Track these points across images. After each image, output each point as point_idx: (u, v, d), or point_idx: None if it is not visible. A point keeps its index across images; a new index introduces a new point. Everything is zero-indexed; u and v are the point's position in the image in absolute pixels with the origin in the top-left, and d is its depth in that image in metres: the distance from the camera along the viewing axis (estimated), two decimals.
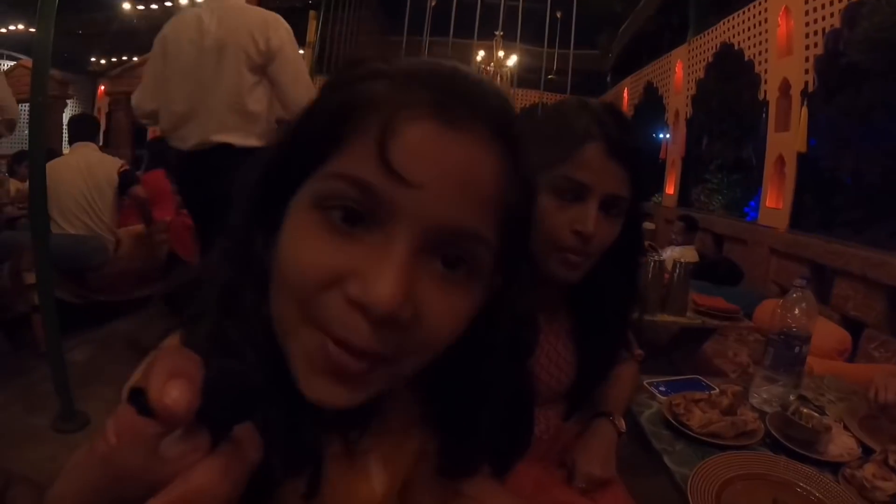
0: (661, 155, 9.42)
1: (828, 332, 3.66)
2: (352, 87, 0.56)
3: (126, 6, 15.76)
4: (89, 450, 0.37)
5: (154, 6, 16.05)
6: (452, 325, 0.57)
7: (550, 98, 13.39)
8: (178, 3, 15.31)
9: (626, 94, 11.63)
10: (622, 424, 1.38)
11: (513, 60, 12.10)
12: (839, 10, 5.03)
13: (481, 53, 12.17)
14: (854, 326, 4.25)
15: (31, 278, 3.45)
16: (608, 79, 14.70)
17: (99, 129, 4.75)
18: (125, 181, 4.49)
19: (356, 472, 0.67)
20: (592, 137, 1.10)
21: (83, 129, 4.67)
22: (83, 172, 4.28)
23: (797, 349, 1.62)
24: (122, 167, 4.52)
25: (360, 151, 0.52)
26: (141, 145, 13.87)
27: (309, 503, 0.58)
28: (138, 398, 0.34)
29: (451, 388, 0.69)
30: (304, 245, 0.53)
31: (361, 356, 0.52)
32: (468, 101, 0.54)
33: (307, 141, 0.56)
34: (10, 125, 3.86)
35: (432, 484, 0.76)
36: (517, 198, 0.58)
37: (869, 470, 1.29)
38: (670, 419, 1.48)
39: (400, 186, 0.51)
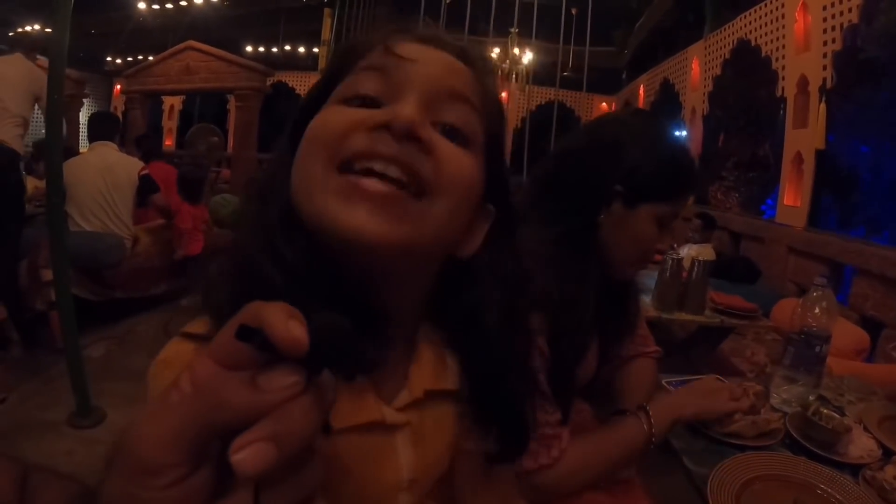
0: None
1: (846, 332, 3.63)
2: (351, 41, 0.72)
3: (141, 5, 15.88)
4: (163, 395, 0.38)
5: (169, 5, 16.16)
6: (462, 168, 0.64)
7: (565, 95, 13.37)
8: (193, 2, 15.42)
9: (641, 91, 11.60)
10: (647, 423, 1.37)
11: (528, 57, 12.07)
12: (857, 6, 4.99)
13: (496, 50, 12.14)
14: (872, 326, 4.21)
15: (48, 275, 3.47)
16: (624, 76, 14.65)
17: (118, 127, 4.78)
18: (146, 186, 4.52)
19: (384, 453, 0.70)
20: (693, 180, 1.34)
21: (103, 127, 4.68)
22: (102, 171, 4.30)
23: (817, 349, 1.60)
24: (142, 170, 4.54)
25: (371, 54, 0.66)
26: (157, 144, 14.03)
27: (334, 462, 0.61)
28: (254, 334, 0.36)
29: (480, 357, 0.74)
30: (328, 117, 0.63)
31: (390, 180, 0.59)
32: (440, 36, 0.70)
33: (332, 71, 0.69)
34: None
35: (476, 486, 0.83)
36: (485, 92, 0.70)
37: (890, 472, 1.27)
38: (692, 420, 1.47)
39: (402, 63, 0.64)
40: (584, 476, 1.22)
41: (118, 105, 14.37)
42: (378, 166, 0.58)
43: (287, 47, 17.65)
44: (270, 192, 0.66)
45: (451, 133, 0.64)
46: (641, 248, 1.30)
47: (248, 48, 17.28)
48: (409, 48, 0.65)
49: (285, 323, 0.35)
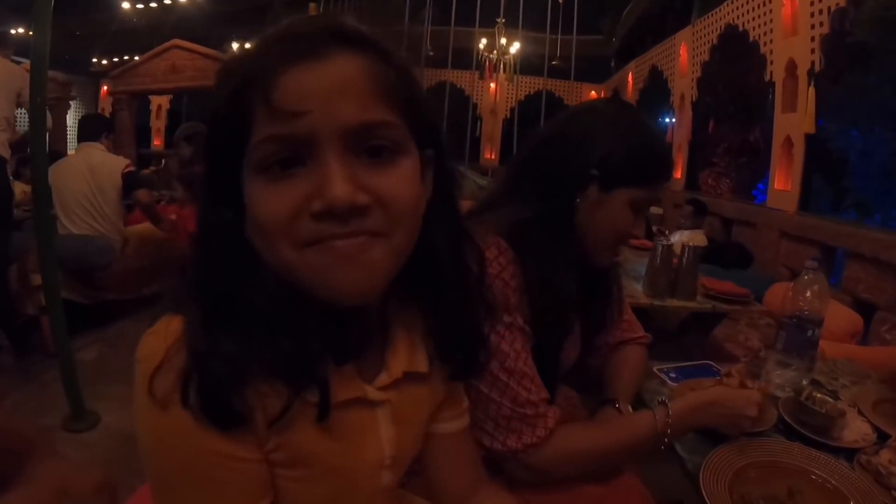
0: (667, 139, 9.38)
1: (839, 315, 3.63)
2: (231, 78, 0.66)
3: (125, 5, 15.79)
4: None
5: (153, 4, 16.08)
6: (404, 190, 0.68)
7: (554, 84, 13.35)
8: (177, 1, 15.34)
9: (630, 79, 11.61)
10: (629, 411, 1.38)
11: (515, 47, 12.05)
12: None
13: (484, 41, 12.12)
14: (865, 309, 4.22)
15: (38, 280, 3.44)
16: (612, 63, 14.64)
17: (106, 127, 4.72)
18: (129, 183, 4.46)
19: (367, 428, 0.79)
20: (668, 165, 1.36)
21: (89, 128, 4.63)
22: (86, 173, 4.26)
23: (810, 332, 1.60)
24: (126, 167, 4.50)
25: (263, 117, 0.63)
26: (145, 145, 13.97)
27: (323, 433, 0.71)
28: None
29: (440, 295, 0.82)
30: (264, 201, 0.64)
31: (354, 235, 0.64)
32: (311, 36, 0.65)
33: (224, 132, 0.67)
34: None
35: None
36: (397, 81, 0.69)
37: (885, 456, 1.26)
38: None
39: (298, 120, 0.62)
40: (580, 460, 1.22)
41: (105, 106, 14.29)
42: (339, 239, 0.64)
43: None
44: (218, 242, 0.70)
45: (381, 152, 0.67)
46: (616, 233, 1.32)
47: (234, 45, 17.22)
48: (299, 83, 0.63)
49: None
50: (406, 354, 0.82)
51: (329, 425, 0.71)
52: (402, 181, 0.68)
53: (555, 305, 1.23)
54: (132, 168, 4.56)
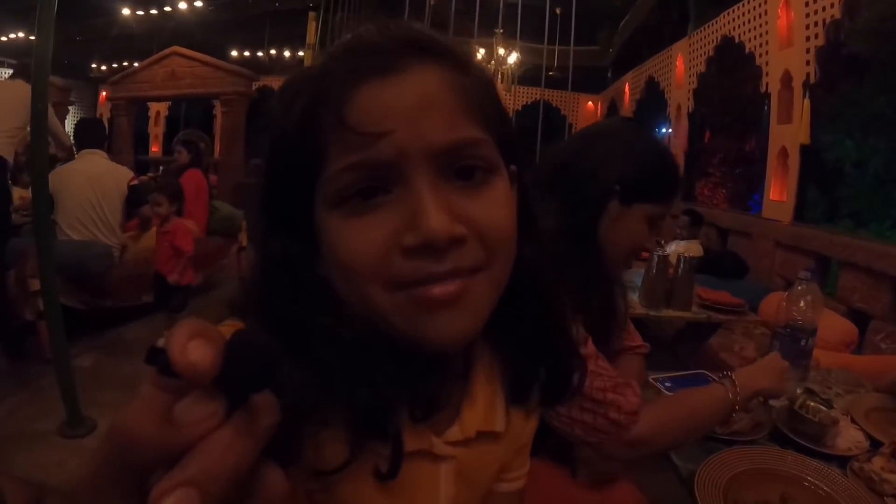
0: None
1: (834, 325, 3.65)
2: (296, 99, 0.60)
3: (126, 12, 15.82)
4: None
5: (153, 11, 16.11)
6: (502, 216, 0.62)
7: (551, 94, 13.38)
8: (177, 8, 15.37)
9: (627, 89, 11.62)
10: None
11: (513, 58, 12.10)
12: (839, 1, 5.02)
13: (482, 51, 12.15)
14: (860, 318, 4.24)
15: (36, 285, 3.45)
16: (609, 74, 14.68)
17: (106, 134, 4.76)
18: (135, 196, 4.50)
19: (427, 482, 0.70)
20: (680, 183, 1.45)
21: (91, 135, 4.67)
22: (91, 181, 4.29)
23: (803, 342, 1.61)
24: (132, 180, 4.52)
25: (338, 143, 0.57)
26: (143, 151, 13.95)
27: (378, 485, 0.61)
28: (159, 357, 0.32)
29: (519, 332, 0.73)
30: (347, 238, 0.57)
31: (453, 275, 0.57)
32: (385, 48, 0.59)
33: (291, 161, 0.61)
34: (67, 149, 4.77)
35: None
36: (480, 92, 0.62)
37: (877, 463, 1.28)
38: None
39: (381, 142, 0.56)
40: (673, 428, 1.25)
41: (104, 112, 14.27)
42: (438, 283, 0.57)
43: (272, 51, 17.63)
44: (286, 278, 0.62)
45: (473, 174, 0.60)
46: (633, 245, 1.40)
47: (234, 53, 17.27)
48: (377, 100, 0.57)
49: (183, 344, 0.31)
50: (484, 409, 0.73)
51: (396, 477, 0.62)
52: (498, 205, 0.61)
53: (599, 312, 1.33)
54: (136, 181, 4.58)
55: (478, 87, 0.62)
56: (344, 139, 0.57)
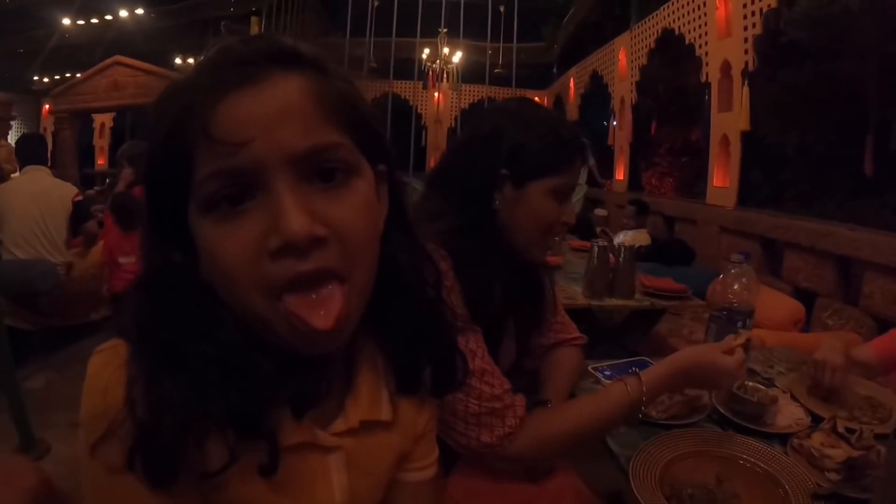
0: (609, 141, 9.52)
1: (781, 304, 3.75)
2: (166, 111, 0.62)
3: (66, 22, 15.48)
4: None
5: (94, 20, 15.80)
6: (361, 215, 0.65)
7: (497, 92, 13.44)
8: (118, 16, 15.09)
9: (572, 84, 11.73)
10: None
11: (458, 57, 12.13)
12: None
13: (426, 51, 12.17)
14: (807, 297, 4.34)
15: None
16: (554, 70, 14.80)
17: (48, 149, 4.68)
18: (79, 212, 4.41)
19: (317, 474, 0.73)
20: (578, 149, 1.36)
21: (34, 151, 4.59)
22: (36, 197, 4.20)
23: (740, 324, 1.63)
24: (76, 196, 4.44)
25: (204, 152, 0.59)
26: (89, 164, 13.66)
27: (267, 480, 0.65)
28: None
29: (405, 308, 0.78)
30: (220, 243, 0.60)
31: (320, 279, 0.61)
32: (247, 59, 0.61)
33: (164, 169, 0.63)
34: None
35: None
36: (341, 98, 0.65)
37: (817, 439, 1.30)
38: None
39: (242, 150, 0.58)
40: (557, 442, 1.24)
41: (48, 126, 13.95)
42: (305, 281, 0.60)
43: None
44: (167, 286, 0.65)
45: (334, 176, 0.63)
46: (542, 225, 1.33)
47: (178, 60, 17.00)
48: (236, 111, 0.59)
49: None
50: (368, 400, 0.78)
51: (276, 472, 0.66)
52: (358, 207, 0.65)
53: (488, 310, 1.25)
54: (81, 197, 4.49)
55: (338, 94, 0.65)
56: (209, 148, 0.59)
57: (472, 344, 1.19)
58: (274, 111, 0.60)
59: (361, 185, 0.66)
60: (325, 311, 0.61)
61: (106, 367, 0.63)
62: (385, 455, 0.82)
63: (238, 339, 0.63)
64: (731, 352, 1.29)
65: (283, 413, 0.67)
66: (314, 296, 0.61)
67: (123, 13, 15.27)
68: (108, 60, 10.92)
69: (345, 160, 0.64)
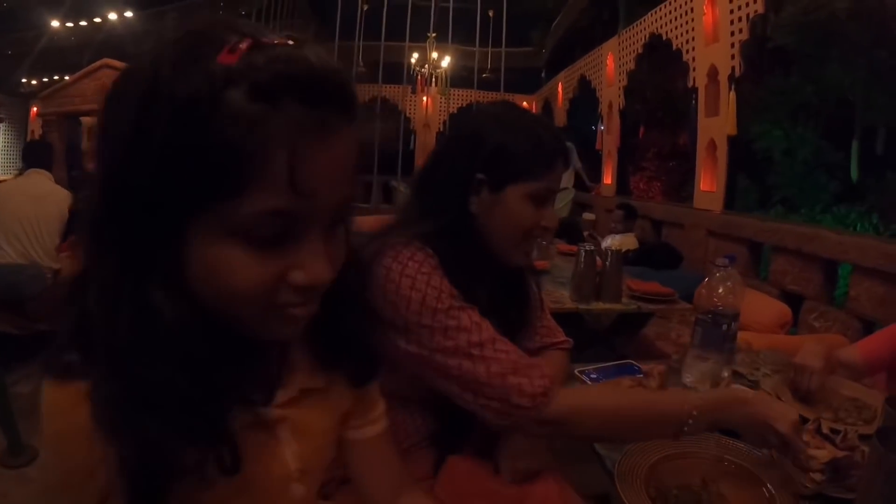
0: (597, 146, 9.55)
1: (767, 307, 3.76)
2: (231, 120, 0.56)
3: (55, 24, 15.41)
4: None
5: (83, 23, 15.73)
6: (343, 255, 0.71)
7: (485, 96, 13.47)
8: (107, 19, 15.03)
9: (560, 89, 11.75)
10: None
11: (447, 61, 12.14)
12: None
13: (415, 55, 12.18)
14: (794, 299, 4.38)
15: None
16: (543, 74, 14.83)
17: (52, 155, 4.68)
18: (75, 224, 4.39)
19: (268, 446, 0.77)
20: (558, 154, 1.33)
21: (40, 156, 4.60)
22: (33, 200, 4.21)
23: (724, 327, 1.64)
24: (73, 205, 4.44)
25: (264, 188, 0.58)
26: (77, 167, 13.56)
27: (230, 478, 0.67)
28: None
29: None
30: (244, 269, 0.61)
31: (311, 303, 0.68)
32: (335, 101, 0.61)
33: (194, 181, 0.58)
34: None
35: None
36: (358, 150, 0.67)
37: None
38: None
39: (306, 201, 0.60)
40: (594, 417, 1.20)
41: (35, 128, 13.84)
42: (302, 307, 0.67)
43: None
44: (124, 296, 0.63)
45: (342, 222, 0.69)
46: (521, 229, 1.31)
47: None
48: (317, 164, 0.60)
49: None
50: (303, 371, 0.82)
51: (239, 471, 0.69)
52: (343, 244, 0.71)
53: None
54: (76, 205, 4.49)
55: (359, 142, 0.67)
56: (277, 187, 0.58)
57: (476, 317, 1.19)
58: (341, 168, 0.63)
59: (342, 228, 0.71)
60: (304, 318, 0.69)
61: (63, 412, 0.65)
62: (327, 416, 0.87)
63: (192, 338, 0.63)
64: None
65: (235, 403, 0.70)
66: (303, 309, 0.68)
67: (112, 16, 15.20)
68: (97, 63, 10.81)
69: (350, 213, 0.70)
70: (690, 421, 1.15)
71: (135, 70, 0.64)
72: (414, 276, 1.17)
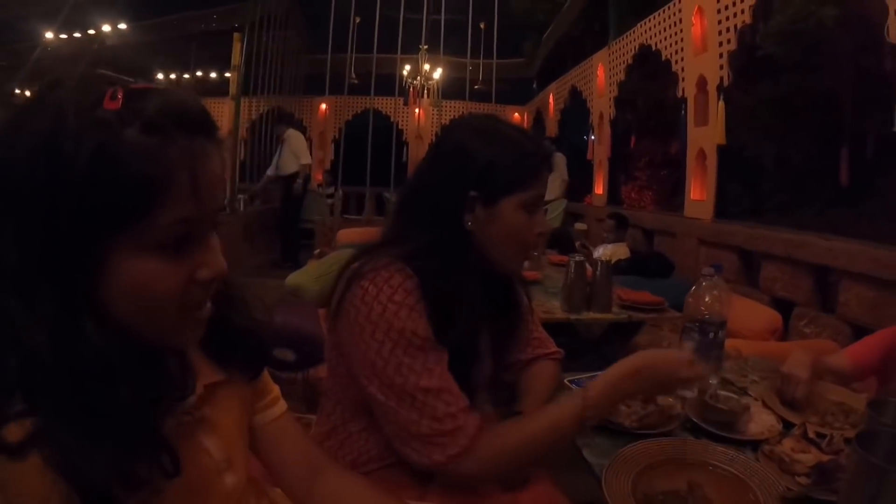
0: (588, 156, 9.57)
1: (758, 314, 3.77)
2: (135, 155, 0.66)
3: (49, 35, 15.35)
4: None
5: (77, 34, 15.68)
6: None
7: (477, 108, 13.48)
8: (101, 30, 15.00)
9: (551, 100, 11.76)
10: None
11: (438, 73, 12.16)
12: (750, 7, 5.21)
13: (407, 67, 12.19)
14: (784, 306, 4.39)
15: None
16: (534, 85, 14.84)
17: None
18: None
19: (193, 445, 0.83)
20: (543, 160, 1.36)
21: None
22: None
23: (712, 335, 1.65)
24: None
25: (173, 201, 0.68)
26: None
27: (173, 481, 0.71)
28: None
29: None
30: (161, 276, 0.70)
31: (209, 300, 0.78)
32: (205, 127, 0.74)
33: (113, 210, 0.66)
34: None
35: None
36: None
37: (787, 444, 1.32)
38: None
39: (205, 206, 0.72)
40: (508, 460, 1.23)
41: None
42: (204, 306, 0.78)
43: (199, 73, 17.38)
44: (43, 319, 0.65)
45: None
46: (517, 239, 1.35)
47: (160, 75, 16.92)
48: (212, 168, 0.73)
49: None
50: (202, 369, 0.87)
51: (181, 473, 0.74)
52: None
53: (459, 327, 1.25)
54: None
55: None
56: (184, 198, 0.69)
57: (430, 363, 1.20)
58: (219, 175, 0.75)
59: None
60: (209, 311, 0.79)
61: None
62: (235, 407, 0.94)
63: (112, 357, 0.68)
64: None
65: (161, 410, 0.75)
66: (206, 309, 0.78)
67: (106, 27, 15.15)
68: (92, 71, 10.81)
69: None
70: (589, 414, 1.22)
71: (23, 122, 0.69)
72: (386, 303, 1.19)
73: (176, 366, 0.81)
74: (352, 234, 5.35)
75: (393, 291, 1.19)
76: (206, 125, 0.73)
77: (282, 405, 1.06)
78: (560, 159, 8.96)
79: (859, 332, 3.78)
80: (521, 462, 1.27)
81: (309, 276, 3.49)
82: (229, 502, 0.89)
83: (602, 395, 1.25)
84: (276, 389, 1.07)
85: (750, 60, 10.18)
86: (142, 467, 0.67)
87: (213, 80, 16.85)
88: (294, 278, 3.53)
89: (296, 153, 8.46)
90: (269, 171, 8.82)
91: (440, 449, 1.17)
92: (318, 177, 12.01)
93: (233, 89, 8.68)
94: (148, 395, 0.71)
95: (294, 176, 8.45)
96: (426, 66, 11.91)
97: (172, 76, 17.22)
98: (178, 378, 0.80)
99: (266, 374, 1.04)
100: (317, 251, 6.29)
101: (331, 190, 11.00)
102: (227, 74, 13.49)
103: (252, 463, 1.00)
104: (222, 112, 9.54)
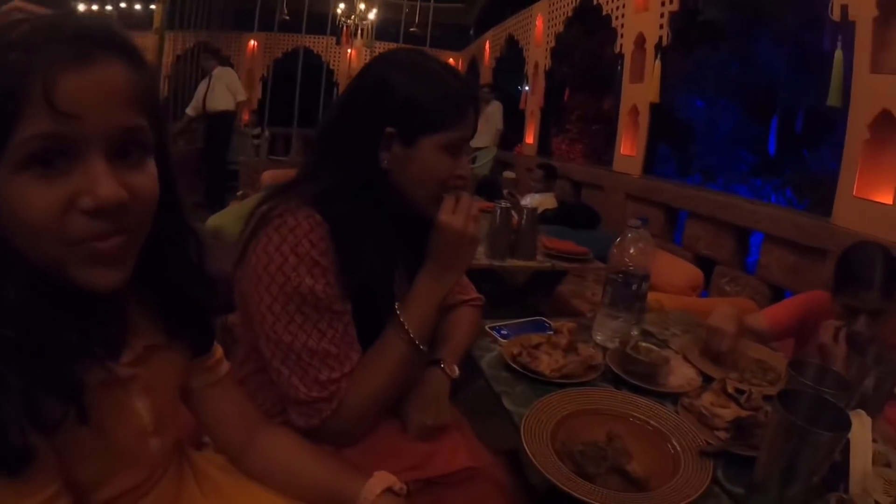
0: (521, 105, 9.55)
1: (680, 270, 3.88)
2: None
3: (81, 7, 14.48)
4: None
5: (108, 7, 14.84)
6: (154, 188, 0.76)
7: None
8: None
9: (487, 47, 11.70)
10: (454, 371, 1.36)
11: (373, 13, 11.89)
12: None
13: (341, 6, 11.88)
14: (706, 264, 4.50)
15: None
16: (472, 32, 14.71)
17: None
18: None
19: (123, 403, 0.83)
20: (469, 101, 1.28)
21: None
22: None
23: (634, 286, 1.65)
24: None
25: (33, 114, 0.64)
26: None
27: (85, 426, 0.71)
28: None
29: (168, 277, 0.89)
30: (31, 199, 0.66)
31: (115, 235, 0.71)
32: (87, 39, 0.68)
33: None
34: None
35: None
36: (148, 86, 0.75)
37: (707, 398, 1.33)
38: (519, 369, 1.46)
39: (71, 122, 0.65)
40: (375, 406, 1.22)
41: None
42: (104, 240, 0.70)
43: (122, 4, 16.59)
44: None
45: (133, 154, 0.73)
46: (436, 181, 1.26)
47: (81, 6, 16.10)
48: (78, 87, 0.66)
49: None
50: (145, 330, 0.86)
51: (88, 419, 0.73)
52: (151, 179, 0.75)
53: (372, 272, 1.20)
54: None
55: (146, 81, 0.75)
56: (40, 112, 0.64)
57: (324, 325, 1.16)
58: (105, 93, 0.68)
59: (152, 164, 0.76)
60: (113, 255, 0.72)
61: None
62: (172, 371, 0.94)
63: (29, 291, 0.68)
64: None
65: (83, 359, 0.73)
66: (107, 243, 0.70)
67: (83, 7, 14.36)
68: (7, 6, 10.21)
69: (144, 142, 0.74)
70: (422, 348, 1.26)
71: None
72: (287, 255, 1.13)
73: (107, 319, 0.78)
74: (277, 176, 5.20)
75: (297, 242, 1.13)
76: (92, 35, 0.69)
77: (225, 366, 1.06)
78: (496, 108, 8.89)
79: (777, 293, 3.91)
80: (385, 405, 1.25)
81: (230, 217, 3.39)
82: (151, 465, 0.88)
83: (413, 303, 1.27)
84: (219, 350, 1.05)
85: (691, 23, 10.24)
86: (51, 408, 0.66)
87: (138, 12, 16.10)
88: (215, 220, 3.45)
89: (232, 90, 8.10)
90: (189, 110, 8.32)
91: (317, 413, 1.16)
92: (244, 116, 11.64)
93: (157, 23, 8.33)
94: (66, 338, 0.70)
95: (227, 114, 8.12)
96: (361, 6, 11.62)
97: (94, 7, 16.43)
98: (107, 332, 0.78)
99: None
100: (240, 193, 6.15)
101: (257, 130, 10.64)
102: (153, 7, 12.97)
103: (181, 421, 1.00)
104: (146, 47, 9.07)
